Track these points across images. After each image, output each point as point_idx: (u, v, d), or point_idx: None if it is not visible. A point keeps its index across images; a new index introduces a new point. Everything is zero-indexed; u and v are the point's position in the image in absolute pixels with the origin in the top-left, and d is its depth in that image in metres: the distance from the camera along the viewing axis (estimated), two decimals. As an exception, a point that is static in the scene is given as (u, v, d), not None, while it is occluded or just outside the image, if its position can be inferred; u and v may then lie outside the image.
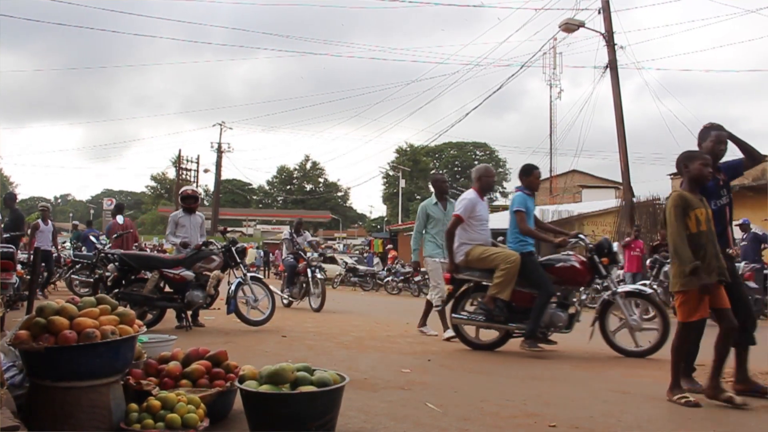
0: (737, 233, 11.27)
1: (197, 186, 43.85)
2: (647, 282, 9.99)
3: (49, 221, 10.88)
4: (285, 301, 10.41)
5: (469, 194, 5.77)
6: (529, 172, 5.67)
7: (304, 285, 10.24)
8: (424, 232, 6.70)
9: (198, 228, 7.30)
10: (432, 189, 6.94)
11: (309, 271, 9.99)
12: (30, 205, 74.12)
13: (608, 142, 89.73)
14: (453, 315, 5.64)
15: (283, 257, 10.72)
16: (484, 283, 5.43)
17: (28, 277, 7.26)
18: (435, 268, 6.47)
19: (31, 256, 8.38)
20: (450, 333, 5.96)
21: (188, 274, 6.58)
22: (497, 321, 5.34)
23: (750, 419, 3.15)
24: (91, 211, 53.51)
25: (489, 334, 5.65)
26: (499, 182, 66.98)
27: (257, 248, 31.36)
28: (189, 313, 6.69)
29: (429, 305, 6.68)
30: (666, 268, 10.54)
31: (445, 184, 6.86)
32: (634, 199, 14.84)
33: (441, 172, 68.80)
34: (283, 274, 11.79)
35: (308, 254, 10.49)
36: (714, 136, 3.88)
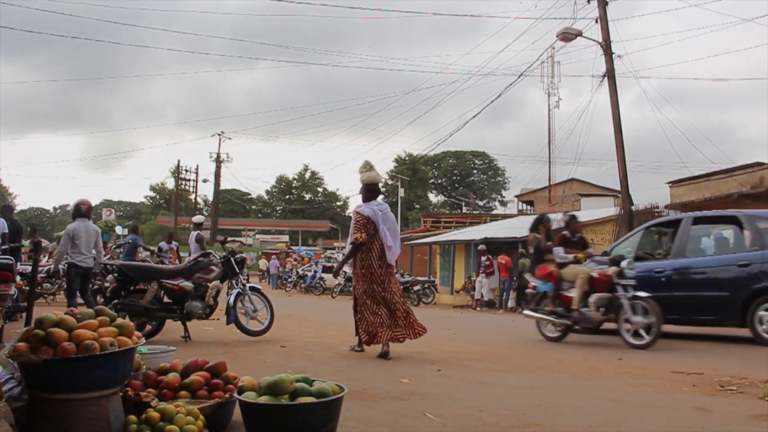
0: None
1: (196, 196, 43.98)
2: None
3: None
4: None
5: None
6: None
7: None
8: None
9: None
10: None
11: None
12: (29, 216, 73.95)
13: (607, 150, 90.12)
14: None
15: None
16: None
17: (27, 288, 7.26)
18: None
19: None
20: None
21: (187, 284, 6.59)
22: None
23: (752, 428, 3.15)
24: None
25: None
26: (497, 191, 67.06)
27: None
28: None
29: None
30: None
31: None
32: (633, 208, 14.87)
33: (440, 181, 67.99)
34: None
35: None
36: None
